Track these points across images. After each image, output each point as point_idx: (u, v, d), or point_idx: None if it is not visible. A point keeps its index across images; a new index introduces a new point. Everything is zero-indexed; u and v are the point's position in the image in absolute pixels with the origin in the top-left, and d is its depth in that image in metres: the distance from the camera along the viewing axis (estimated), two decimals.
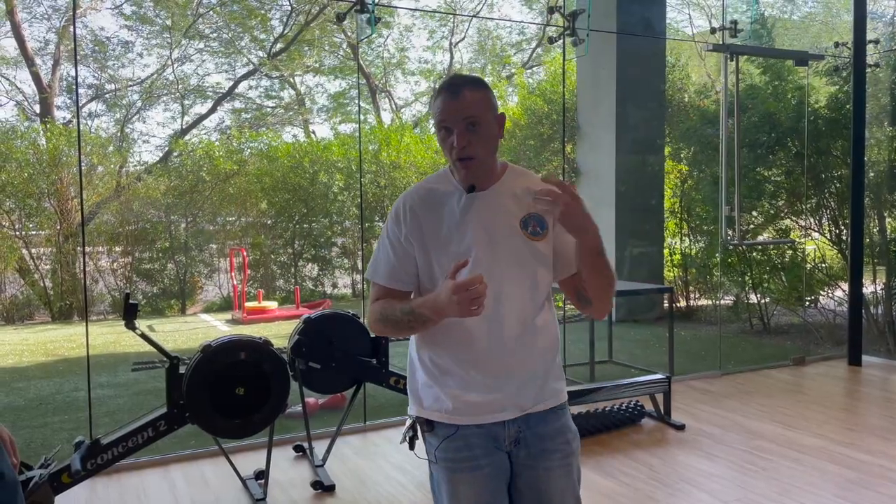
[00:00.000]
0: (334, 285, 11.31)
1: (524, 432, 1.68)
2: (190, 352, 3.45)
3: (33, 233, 10.05)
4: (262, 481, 3.42)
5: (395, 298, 1.69)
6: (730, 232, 5.75)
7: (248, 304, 9.30)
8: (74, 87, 13.22)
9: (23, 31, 12.25)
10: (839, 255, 7.49)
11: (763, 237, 8.02)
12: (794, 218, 7.79)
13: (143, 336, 3.18)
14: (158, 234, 10.52)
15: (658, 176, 8.49)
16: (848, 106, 6.46)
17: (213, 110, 14.58)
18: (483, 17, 16.59)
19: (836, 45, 6.74)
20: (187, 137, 13.34)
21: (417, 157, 11.12)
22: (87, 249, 9.82)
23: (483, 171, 1.66)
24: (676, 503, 3.28)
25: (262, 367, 3.27)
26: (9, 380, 6.14)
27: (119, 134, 13.18)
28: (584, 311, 1.73)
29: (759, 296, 7.85)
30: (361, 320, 3.81)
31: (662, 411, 4.40)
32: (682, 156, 9.08)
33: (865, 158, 6.12)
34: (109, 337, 7.95)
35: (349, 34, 14.14)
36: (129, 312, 3.13)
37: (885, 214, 7.17)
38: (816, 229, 7.51)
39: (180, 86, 14.08)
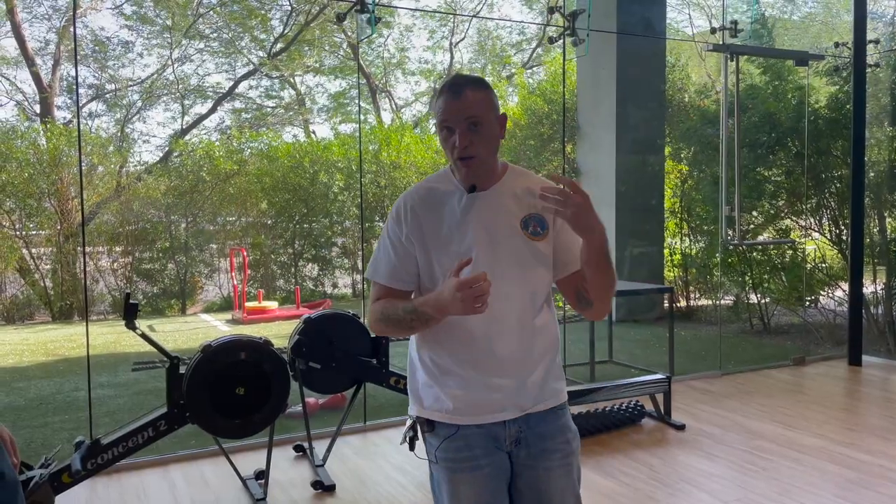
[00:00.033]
0: (334, 285, 11.31)
1: (524, 432, 1.68)
2: (190, 352, 3.45)
3: (34, 233, 10.06)
4: (263, 481, 3.42)
5: (396, 298, 1.69)
6: (730, 232, 5.75)
7: (249, 304, 9.30)
8: (75, 87, 13.23)
9: (23, 31, 12.25)
10: (839, 255, 7.49)
11: (763, 237, 8.02)
12: (794, 218, 7.79)
13: (144, 336, 3.18)
14: (159, 234, 10.52)
15: (658, 176, 8.49)
16: (848, 106, 6.46)
17: (213, 110, 14.59)
18: (483, 17, 16.61)
19: (837, 45, 6.74)
20: (187, 137, 13.35)
21: (417, 157, 11.12)
22: (88, 249, 9.82)
23: (484, 171, 1.66)
24: (676, 503, 3.28)
25: (262, 367, 3.27)
26: (9, 380, 6.14)
27: (119, 134, 13.19)
28: (583, 312, 1.73)
29: (759, 296, 7.85)
30: (361, 320, 3.81)
31: (662, 411, 4.41)
32: (682, 156, 9.08)
33: (865, 158, 6.13)
34: (110, 337, 7.95)
35: (349, 34, 14.15)
36: (129, 312, 3.13)
37: (886, 214, 7.17)
38: (816, 229, 7.51)
39: (180, 86, 14.08)
